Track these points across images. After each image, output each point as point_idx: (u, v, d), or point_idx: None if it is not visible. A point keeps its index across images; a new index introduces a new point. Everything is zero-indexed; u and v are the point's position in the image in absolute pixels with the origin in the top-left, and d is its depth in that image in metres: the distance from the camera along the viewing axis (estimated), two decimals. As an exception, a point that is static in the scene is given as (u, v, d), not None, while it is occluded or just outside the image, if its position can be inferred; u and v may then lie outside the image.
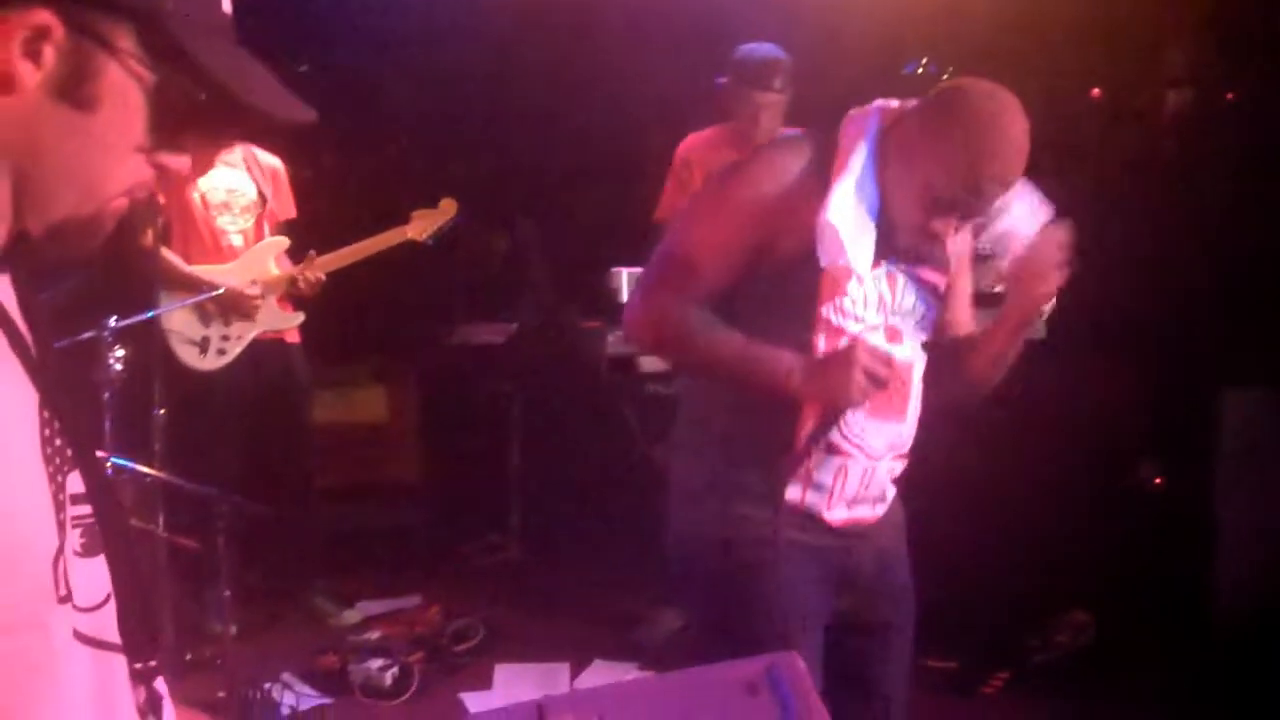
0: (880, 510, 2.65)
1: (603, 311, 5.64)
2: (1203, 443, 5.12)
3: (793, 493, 2.52)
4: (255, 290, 5.16)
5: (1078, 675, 4.63)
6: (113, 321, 4.15)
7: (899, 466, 2.66)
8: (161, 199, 4.93)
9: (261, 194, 5.29)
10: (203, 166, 5.18)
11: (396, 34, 6.65)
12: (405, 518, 6.39)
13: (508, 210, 7.38)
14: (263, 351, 5.23)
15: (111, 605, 1.13)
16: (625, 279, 5.47)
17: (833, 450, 2.52)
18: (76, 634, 1.07)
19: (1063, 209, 2.53)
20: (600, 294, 5.64)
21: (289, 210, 5.42)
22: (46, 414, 1.07)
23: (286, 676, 4.62)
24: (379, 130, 7.49)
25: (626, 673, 4.75)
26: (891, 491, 2.68)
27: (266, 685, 4.42)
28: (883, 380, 2.38)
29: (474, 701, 4.52)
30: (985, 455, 4.79)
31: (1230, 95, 5.40)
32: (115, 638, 1.13)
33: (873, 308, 2.51)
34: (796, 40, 5.12)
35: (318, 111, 1.19)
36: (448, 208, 5.31)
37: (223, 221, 5.20)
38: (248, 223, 5.25)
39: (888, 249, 2.50)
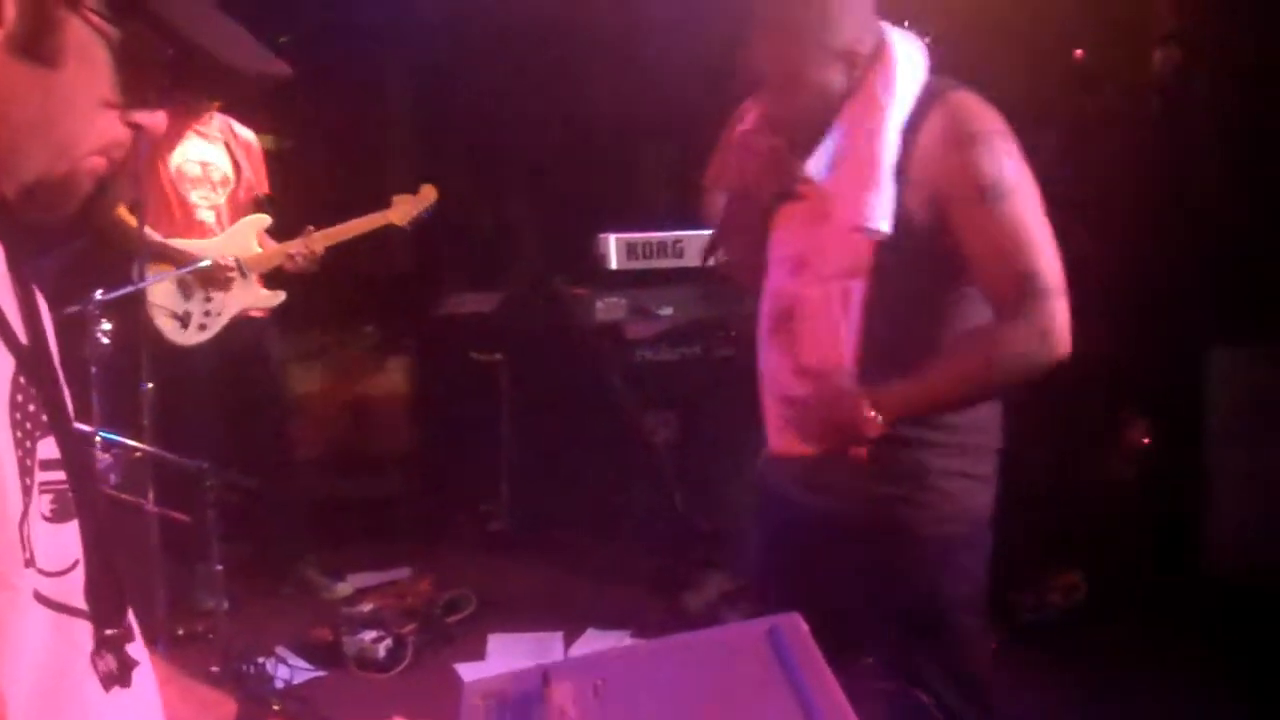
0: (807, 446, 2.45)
1: (590, 278, 5.63)
2: (1190, 400, 5.13)
3: None
4: (230, 263, 5.08)
5: (1070, 634, 4.64)
6: (98, 294, 4.09)
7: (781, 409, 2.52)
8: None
9: (237, 169, 5.24)
10: (175, 137, 5.11)
11: (382, 1, 6.60)
12: (395, 489, 6.38)
13: (496, 177, 7.35)
14: (233, 327, 5.16)
15: (77, 571, 1.11)
16: (612, 245, 5.46)
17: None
18: (37, 595, 1.05)
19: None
20: (588, 260, 5.62)
21: (262, 185, 5.36)
22: (22, 380, 1.05)
23: (280, 650, 4.62)
24: (362, 100, 7.42)
25: (620, 641, 4.75)
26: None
27: (260, 659, 4.43)
28: (756, 150, 2.46)
29: (469, 672, 4.52)
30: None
31: (1218, 53, 5.37)
32: (79, 603, 1.11)
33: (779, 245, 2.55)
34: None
35: (297, 81, 1.17)
36: (427, 194, 5.27)
37: (195, 196, 5.12)
38: (220, 198, 5.19)
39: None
